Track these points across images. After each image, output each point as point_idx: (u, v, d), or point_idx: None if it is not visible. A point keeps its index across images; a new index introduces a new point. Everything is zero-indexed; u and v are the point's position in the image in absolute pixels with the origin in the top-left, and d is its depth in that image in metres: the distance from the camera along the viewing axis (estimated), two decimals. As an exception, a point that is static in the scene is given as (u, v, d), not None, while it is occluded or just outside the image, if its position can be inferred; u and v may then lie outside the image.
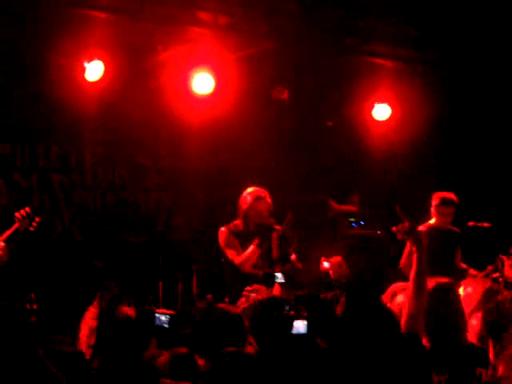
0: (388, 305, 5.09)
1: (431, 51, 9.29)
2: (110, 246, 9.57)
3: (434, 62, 9.51)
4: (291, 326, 4.30)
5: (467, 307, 4.35)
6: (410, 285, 4.17)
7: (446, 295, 4.52)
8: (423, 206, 8.03)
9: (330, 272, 6.36)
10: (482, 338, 4.83)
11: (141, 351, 3.98)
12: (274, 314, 4.72)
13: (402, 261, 7.45)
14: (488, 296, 5.47)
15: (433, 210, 7.91)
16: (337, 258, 6.44)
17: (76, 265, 9.09)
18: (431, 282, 5.08)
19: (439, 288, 4.46)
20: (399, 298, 5.07)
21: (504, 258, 7.72)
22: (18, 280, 7.88)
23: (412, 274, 4.19)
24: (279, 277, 6.49)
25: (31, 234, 7.20)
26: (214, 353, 3.94)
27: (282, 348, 4.17)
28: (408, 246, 7.63)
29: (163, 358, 4.12)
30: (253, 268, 6.89)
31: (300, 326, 4.27)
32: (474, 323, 5.06)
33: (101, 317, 5.16)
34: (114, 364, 3.73)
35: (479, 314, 5.04)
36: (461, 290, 6.73)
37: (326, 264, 6.45)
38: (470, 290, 4.92)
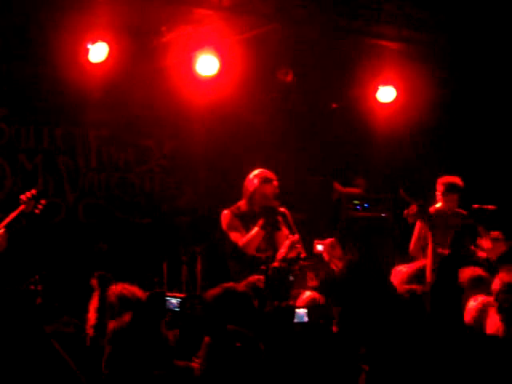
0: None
1: (437, 33, 9.23)
2: (114, 228, 9.59)
3: (440, 44, 9.45)
4: (293, 314, 4.28)
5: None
6: (428, 261, 4.17)
7: None
8: (429, 189, 7.98)
9: (324, 254, 6.27)
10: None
11: (153, 333, 3.99)
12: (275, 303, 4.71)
13: (412, 245, 7.37)
14: (475, 283, 5.44)
15: (438, 195, 7.71)
16: (330, 240, 6.37)
17: (81, 247, 9.12)
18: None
19: None
20: None
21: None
22: (23, 262, 7.90)
23: (429, 251, 4.19)
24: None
25: (36, 216, 7.20)
26: (221, 332, 3.95)
27: (284, 337, 4.17)
28: (417, 231, 7.60)
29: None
30: (256, 251, 6.87)
31: (302, 314, 4.25)
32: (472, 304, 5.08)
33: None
34: (128, 346, 3.72)
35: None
36: None
37: (319, 247, 6.35)
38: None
